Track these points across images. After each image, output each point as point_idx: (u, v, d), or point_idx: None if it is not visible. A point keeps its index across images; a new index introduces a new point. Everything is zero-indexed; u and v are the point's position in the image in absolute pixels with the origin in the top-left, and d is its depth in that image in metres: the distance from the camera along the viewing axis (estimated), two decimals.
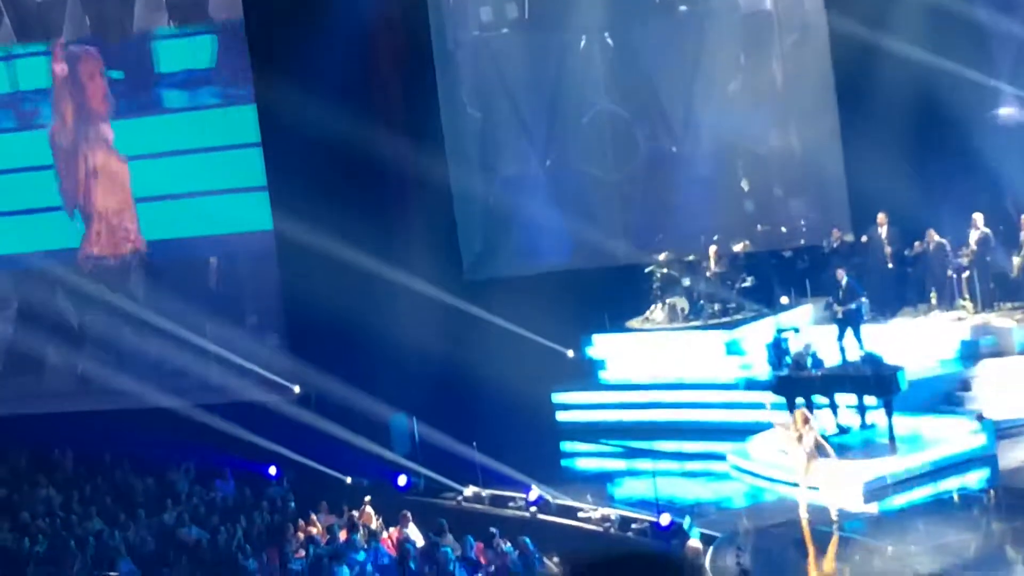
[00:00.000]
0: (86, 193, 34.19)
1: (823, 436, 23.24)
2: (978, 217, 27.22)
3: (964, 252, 27.33)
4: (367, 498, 25.12)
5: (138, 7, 32.97)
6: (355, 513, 24.77)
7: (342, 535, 23.96)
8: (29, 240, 34.69)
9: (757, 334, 28.15)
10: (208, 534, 25.14)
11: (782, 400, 25.51)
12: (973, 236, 27.28)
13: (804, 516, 22.41)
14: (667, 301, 29.68)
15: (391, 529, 24.25)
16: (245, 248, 33.35)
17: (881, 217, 28.08)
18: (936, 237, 27.67)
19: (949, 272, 27.60)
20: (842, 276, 26.54)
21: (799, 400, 24.65)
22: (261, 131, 32.03)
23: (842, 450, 23.77)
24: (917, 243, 27.79)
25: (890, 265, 28.13)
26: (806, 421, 22.80)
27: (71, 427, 31.07)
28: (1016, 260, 27.34)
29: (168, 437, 28.93)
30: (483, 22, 32.32)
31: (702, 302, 29.47)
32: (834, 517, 22.32)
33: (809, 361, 25.44)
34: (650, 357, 29.38)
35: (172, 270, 33.80)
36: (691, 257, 30.07)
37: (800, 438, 22.64)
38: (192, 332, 32.28)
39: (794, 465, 22.96)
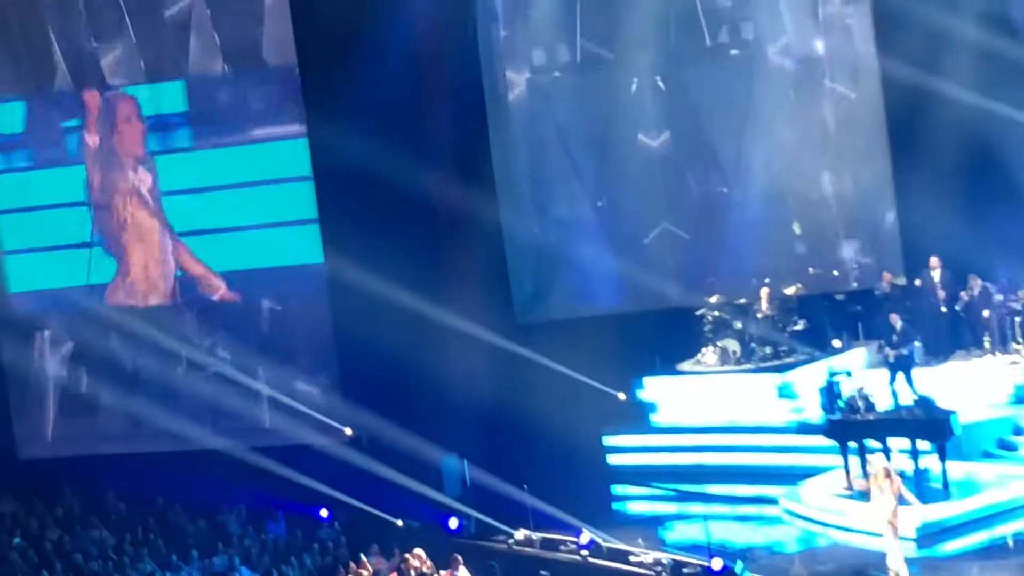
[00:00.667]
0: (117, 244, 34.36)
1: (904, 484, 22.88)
2: None
3: (1019, 296, 27.18)
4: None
5: (193, 52, 33.14)
6: (407, 556, 24.77)
7: None
8: (77, 274, 34.77)
9: (809, 377, 28.10)
10: None
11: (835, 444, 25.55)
12: None
13: (902, 570, 21.79)
14: (719, 344, 29.66)
15: (442, 572, 24.24)
16: (296, 287, 33.32)
17: (934, 261, 28.00)
18: (980, 282, 27.59)
19: (1000, 316, 27.44)
20: (896, 321, 26.46)
21: (881, 446, 24.47)
22: (313, 168, 32.11)
23: None
24: (963, 293, 27.69)
25: (943, 309, 28.00)
26: (888, 475, 22.08)
27: (124, 469, 31.23)
28: None
29: (220, 479, 29.06)
30: (535, 64, 32.37)
31: (754, 345, 29.42)
32: (896, 569, 21.99)
33: (862, 405, 25.39)
34: (701, 400, 29.34)
35: (224, 310, 33.84)
36: (742, 300, 30.02)
37: (881, 491, 21.98)
38: (244, 374, 32.39)
39: (878, 518, 22.18)
